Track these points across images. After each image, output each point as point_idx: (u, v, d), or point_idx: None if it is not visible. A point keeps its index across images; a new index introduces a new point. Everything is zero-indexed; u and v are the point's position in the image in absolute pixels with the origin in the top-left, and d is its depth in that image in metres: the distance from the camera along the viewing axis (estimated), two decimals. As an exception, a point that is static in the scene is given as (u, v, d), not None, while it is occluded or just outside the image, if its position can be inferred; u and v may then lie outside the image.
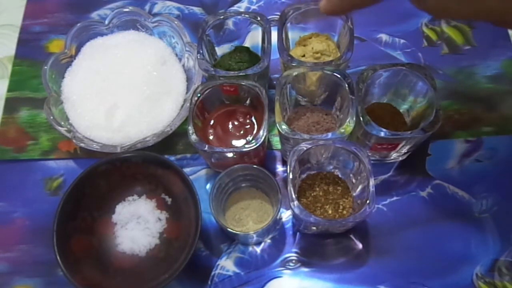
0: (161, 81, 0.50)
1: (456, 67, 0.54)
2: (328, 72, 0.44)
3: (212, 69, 0.45)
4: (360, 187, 0.42)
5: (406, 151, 0.47)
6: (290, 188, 0.39)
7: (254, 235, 0.43)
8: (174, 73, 0.52)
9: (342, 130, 0.41)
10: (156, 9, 0.60)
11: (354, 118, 0.41)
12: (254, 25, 0.49)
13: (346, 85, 0.43)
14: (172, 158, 0.50)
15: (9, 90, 0.55)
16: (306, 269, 0.44)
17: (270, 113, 0.44)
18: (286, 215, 0.47)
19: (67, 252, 0.41)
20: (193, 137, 0.42)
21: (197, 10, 0.60)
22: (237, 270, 0.45)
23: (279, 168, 0.49)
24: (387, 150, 0.45)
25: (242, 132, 0.47)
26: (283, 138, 0.43)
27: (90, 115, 0.48)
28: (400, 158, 0.48)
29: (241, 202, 0.45)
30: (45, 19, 0.60)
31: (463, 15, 0.31)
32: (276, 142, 0.50)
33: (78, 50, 0.53)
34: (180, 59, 0.53)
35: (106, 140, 0.48)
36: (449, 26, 0.57)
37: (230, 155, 0.43)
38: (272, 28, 0.47)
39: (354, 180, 0.43)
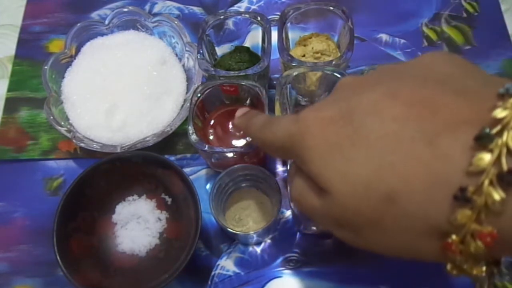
0: (161, 81, 0.50)
1: (456, 67, 0.54)
2: (328, 72, 0.44)
3: (212, 69, 0.45)
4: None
5: (406, 151, 0.46)
6: (290, 188, 0.39)
7: (254, 235, 0.43)
8: (174, 73, 0.52)
9: (342, 130, 0.41)
10: (156, 9, 0.60)
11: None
12: (254, 25, 0.49)
13: (346, 85, 0.43)
14: (172, 158, 0.50)
15: (9, 90, 0.55)
16: (306, 269, 0.44)
17: (270, 113, 0.44)
18: (286, 215, 0.47)
19: (67, 252, 0.41)
20: (193, 137, 0.42)
21: (197, 10, 0.60)
22: (237, 270, 0.44)
23: (279, 168, 0.49)
24: (387, 150, 0.45)
25: (242, 132, 0.47)
26: (283, 138, 0.43)
27: (90, 115, 0.48)
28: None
29: (241, 202, 0.45)
30: (45, 19, 0.60)
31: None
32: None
33: (78, 50, 0.53)
34: (180, 59, 0.53)
35: (106, 140, 0.48)
36: (450, 26, 0.57)
37: (230, 155, 0.43)
38: (272, 28, 0.47)
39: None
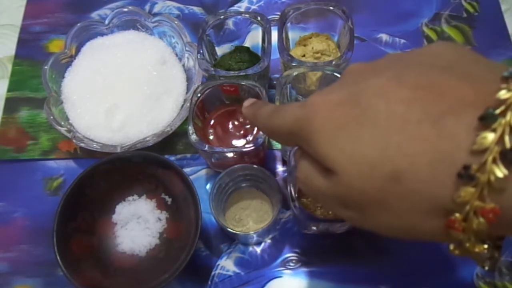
0: (161, 81, 0.50)
1: (456, 67, 0.54)
2: (328, 72, 0.44)
3: (212, 69, 0.45)
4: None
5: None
6: (290, 188, 0.39)
7: (254, 235, 0.43)
8: (174, 73, 0.52)
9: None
10: (156, 9, 0.60)
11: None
12: (254, 25, 0.49)
13: (346, 85, 0.43)
14: (172, 158, 0.50)
15: (9, 90, 0.55)
16: (306, 269, 0.44)
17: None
18: (286, 215, 0.47)
19: (67, 252, 0.41)
20: (193, 137, 0.42)
21: (197, 10, 0.60)
22: (237, 270, 0.44)
23: (279, 168, 0.49)
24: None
25: (242, 132, 0.47)
26: (283, 138, 0.43)
27: (90, 115, 0.48)
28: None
29: (241, 202, 0.45)
30: (45, 19, 0.60)
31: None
32: (276, 142, 0.50)
33: (78, 50, 0.53)
34: (180, 59, 0.53)
35: (106, 140, 0.48)
36: (450, 26, 0.57)
37: (230, 155, 0.43)
38: (272, 28, 0.47)
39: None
